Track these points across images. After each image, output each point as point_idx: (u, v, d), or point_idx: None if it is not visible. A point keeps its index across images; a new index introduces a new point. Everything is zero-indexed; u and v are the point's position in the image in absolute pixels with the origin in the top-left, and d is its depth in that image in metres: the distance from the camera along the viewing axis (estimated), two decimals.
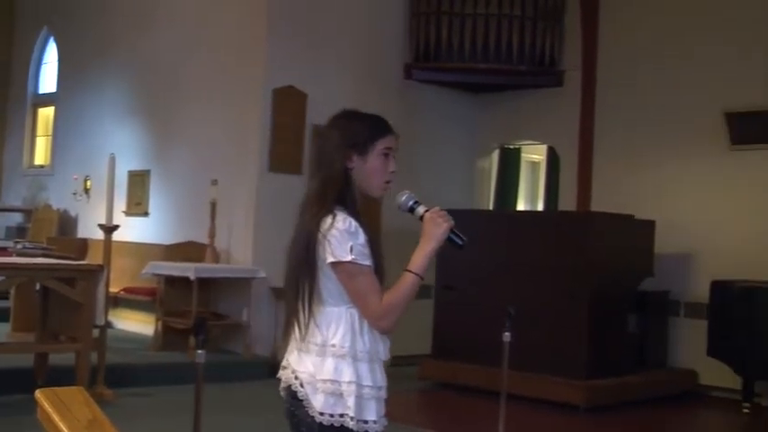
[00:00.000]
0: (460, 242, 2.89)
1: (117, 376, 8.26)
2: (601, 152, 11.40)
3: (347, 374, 2.79)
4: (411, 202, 2.93)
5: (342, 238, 2.78)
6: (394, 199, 3.00)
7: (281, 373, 2.94)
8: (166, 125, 11.50)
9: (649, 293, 10.18)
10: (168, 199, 11.41)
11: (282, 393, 2.94)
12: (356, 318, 2.84)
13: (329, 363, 2.80)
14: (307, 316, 2.85)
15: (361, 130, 2.92)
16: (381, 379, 2.87)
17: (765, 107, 9.77)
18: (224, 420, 7.34)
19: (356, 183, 2.90)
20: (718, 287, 9.26)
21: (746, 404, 9.28)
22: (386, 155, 2.93)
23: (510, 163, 13.02)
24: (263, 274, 9.77)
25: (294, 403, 2.87)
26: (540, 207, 13.33)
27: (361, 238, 2.81)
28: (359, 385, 2.79)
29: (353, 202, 2.88)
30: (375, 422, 2.82)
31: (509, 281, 9.28)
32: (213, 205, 10.12)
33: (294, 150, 10.40)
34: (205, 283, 9.87)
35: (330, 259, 2.79)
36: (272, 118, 10.22)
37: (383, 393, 2.87)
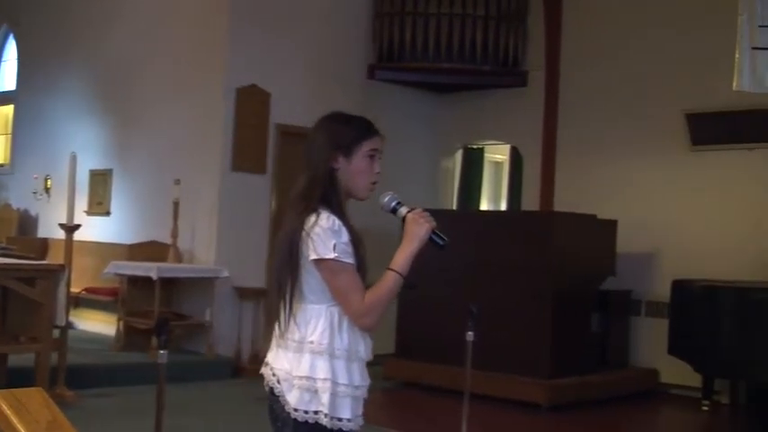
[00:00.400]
0: (442, 242, 2.95)
1: (78, 377, 8.19)
2: (564, 152, 11.46)
3: (322, 372, 2.82)
4: (394, 203, 2.99)
5: (325, 236, 2.82)
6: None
7: (263, 370, 2.98)
8: (128, 124, 11.42)
9: (611, 293, 10.25)
10: (130, 198, 11.33)
11: (266, 389, 2.97)
12: (336, 316, 2.87)
13: (306, 359, 2.84)
14: (288, 312, 2.89)
15: (346, 131, 2.96)
16: (360, 378, 2.92)
17: (724, 109, 9.87)
18: (186, 421, 7.30)
19: (342, 183, 2.93)
20: (679, 286, 9.33)
21: (706, 402, 9.38)
22: (371, 156, 2.97)
23: (473, 162, 13.06)
24: (226, 274, 9.75)
25: (272, 399, 2.90)
26: (504, 207, 13.38)
27: (345, 236, 2.85)
28: (334, 383, 2.83)
29: (338, 203, 2.91)
30: (349, 420, 2.87)
31: (472, 280, 9.30)
32: (176, 205, 10.06)
33: (257, 150, 10.37)
34: (168, 283, 9.82)
35: (313, 256, 2.83)
36: (234, 117, 10.18)
37: (361, 392, 2.92)
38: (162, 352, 4.11)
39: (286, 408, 2.84)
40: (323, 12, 11.12)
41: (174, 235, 10.08)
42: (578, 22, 11.41)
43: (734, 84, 8.29)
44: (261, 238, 10.35)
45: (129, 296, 9.88)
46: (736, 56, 8.25)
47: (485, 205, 13.52)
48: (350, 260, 2.84)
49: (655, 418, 9.75)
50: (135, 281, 9.78)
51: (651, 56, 10.70)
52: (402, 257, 2.88)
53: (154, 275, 9.33)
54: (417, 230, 2.90)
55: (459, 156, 12.97)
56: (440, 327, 9.20)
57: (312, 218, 2.85)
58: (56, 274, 7.67)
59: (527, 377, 8.99)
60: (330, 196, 2.90)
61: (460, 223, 9.89)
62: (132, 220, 11.22)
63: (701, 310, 8.97)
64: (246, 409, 8.44)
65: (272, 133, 10.49)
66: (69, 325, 8.42)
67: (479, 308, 6.46)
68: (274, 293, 2.93)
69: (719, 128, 10.09)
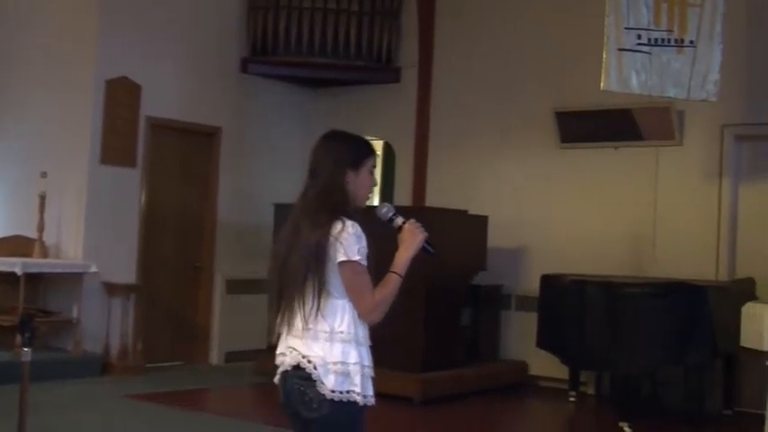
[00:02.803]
0: (432, 251, 3.49)
1: None
2: (436, 148, 11.59)
3: (353, 356, 3.28)
4: (391, 214, 3.52)
5: (352, 241, 3.28)
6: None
7: (282, 359, 3.46)
8: None
9: (482, 287, 10.42)
10: None
11: (278, 379, 3.50)
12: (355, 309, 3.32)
13: (337, 347, 3.27)
14: (315, 308, 3.28)
15: (355, 150, 3.51)
16: (372, 360, 3.38)
17: (592, 107, 10.12)
18: (51, 421, 7.13)
19: (350, 195, 3.40)
20: (547, 281, 9.50)
21: (573, 393, 9.65)
22: (371, 171, 3.49)
23: None
24: (94, 269, 9.56)
25: (306, 384, 3.30)
26: (376, 202, 13.45)
27: (364, 242, 3.33)
28: (362, 365, 3.29)
29: (350, 212, 3.36)
30: (373, 396, 3.32)
31: None
32: (42, 198, 9.79)
33: (127, 143, 10.18)
34: (33, 279, 9.57)
35: (342, 258, 3.26)
36: (104, 109, 9.96)
37: (373, 372, 3.37)
38: (26, 350, 4.01)
39: (321, 390, 3.23)
40: (196, 4, 10.97)
41: (40, 229, 9.81)
42: (451, 20, 11.55)
43: (601, 84, 8.52)
44: (131, 232, 10.18)
45: None
46: (604, 56, 8.49)
47: None
48: (366, 263, 3.32)
49: (524, 410, 9.96)
50: None
51: (523, 54, 10.91)
52: (402, 261, 3.44)
53: (18, 271, 9.10)
54: (413, 240, 3.49)
55: None
56: None
57: (338, 225, 3.28)
58: None
59: (399, 371, 9.05)
60: (345, 207, 3.35)
61: None
62: None
63: (568, 304, 9.17)
64: (115, 406, 8.28)
65: (142, 126, 10.31)
66: None
67: None
68: (296, 290, 3.30)
69: (587, 126, 10.34)
